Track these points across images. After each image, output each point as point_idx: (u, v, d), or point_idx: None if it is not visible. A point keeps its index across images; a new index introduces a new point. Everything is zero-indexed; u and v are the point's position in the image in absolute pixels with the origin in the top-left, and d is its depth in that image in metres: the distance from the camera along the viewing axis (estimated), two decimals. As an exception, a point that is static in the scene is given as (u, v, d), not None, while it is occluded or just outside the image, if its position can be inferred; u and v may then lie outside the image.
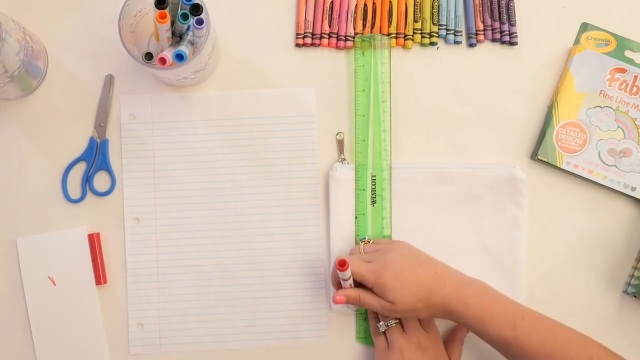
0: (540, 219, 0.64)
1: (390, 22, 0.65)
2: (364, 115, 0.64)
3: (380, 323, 0.59)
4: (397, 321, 0.59)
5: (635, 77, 0.63)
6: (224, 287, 0.63)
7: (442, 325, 0.62)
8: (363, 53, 0.64)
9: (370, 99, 0.64)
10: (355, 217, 0.63)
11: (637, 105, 0.63)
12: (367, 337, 0.63)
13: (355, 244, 0.63)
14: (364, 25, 0.65)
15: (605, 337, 0.63)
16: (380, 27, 0.65)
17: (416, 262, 0.57)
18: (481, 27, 0.65)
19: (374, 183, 0.63)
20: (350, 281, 0.57)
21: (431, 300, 0.55)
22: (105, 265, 0.63)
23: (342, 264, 0.54)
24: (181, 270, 0.63)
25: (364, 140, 0.63)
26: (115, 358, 0.63)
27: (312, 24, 0.65)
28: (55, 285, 0.63)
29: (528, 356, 0.52)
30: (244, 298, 0.63)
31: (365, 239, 0.62)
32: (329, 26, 0.65)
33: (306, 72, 0.65)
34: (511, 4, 0.65)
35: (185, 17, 0.55)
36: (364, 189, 0.63)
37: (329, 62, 0.65)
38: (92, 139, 0.64)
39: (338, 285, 0.59)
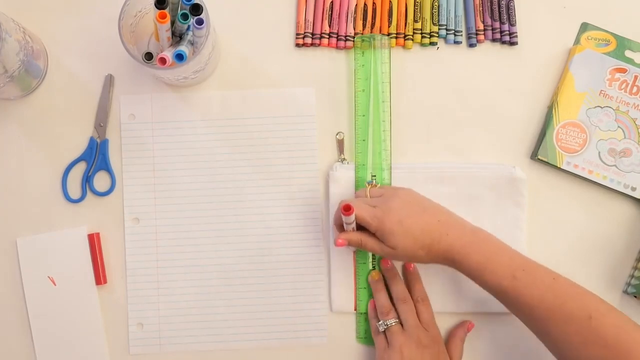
0: (540, 219, 0.64)
1: (390, 22, 0.65)
2: (363, 115, 0.64)
3: (380, 322, 0.59)
4: (397, 320, 0.59)
5: (635, 77, 0.63)
6: (224, 287, 0.63)
7: (443, 325, 0.62)
8: (363, 53, 0.64)
9: (370, 99, 0.64)
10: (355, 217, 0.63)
11: (637, 105, 0.63)
12: (367, 337, 0.63)
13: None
14: (364, 25, 0.65)
15: (605, 337, 0.63)
16: (380, 27, 0.65)
17: (420, 209, 0.56)
18: (481, 27, 0.65)
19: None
20: (354, 225, 0.57)
21: (433, 247, 0.54)
22: (105, 265, 0.63)
23: (347, 209, 0.54)
24: (181, 270, 0.63)
25: (364, 140, 0.63)
26: (115, 358, 0.63)
27: (312, 24, 0.65)
28: (55, 285, 0.63)
29: (526, 308, 0.52)
30: (244, 298, 0.63)
31: (372, 182, 0.62)
32: (329, 26, 0.65)
33: (306, 72, 0.65)
34: (511, 4, 0.65)
35: (185, 17, 0.55)
36: None
37: (329, 62, 0.65)
38: (92, 139, 0.64)
39: (340, 228, 0.59)
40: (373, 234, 0.57)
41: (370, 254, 0.63)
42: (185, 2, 0.55)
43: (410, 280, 0.62)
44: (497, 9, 0.65)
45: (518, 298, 0.52)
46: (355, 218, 0.56)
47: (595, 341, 0.49)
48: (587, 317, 0.50)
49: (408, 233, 0.54)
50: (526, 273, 0.52)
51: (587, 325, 0.49)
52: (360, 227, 0.58)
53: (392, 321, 0.59)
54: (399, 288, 0.61)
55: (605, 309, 0.51)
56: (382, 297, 0.61)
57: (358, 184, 0.63)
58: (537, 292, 0.52)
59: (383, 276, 0.62)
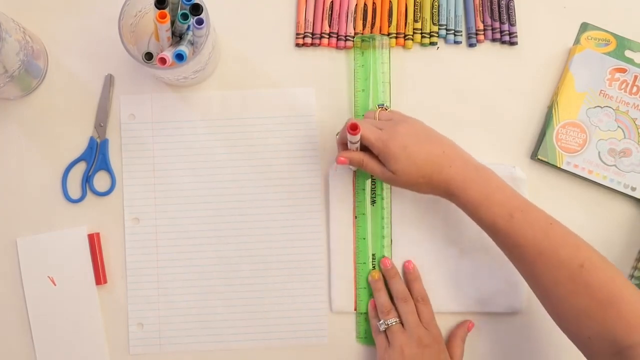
0: (540, 219, 0.64)
1: (390, 22, 0.65)
2: (363, 115, 0.64)
3: (380, 322, 0.59)
4: (397, 320, 0.59)
5: (635, 77, 0.63)
6: (224, 287, 0.63)
7: (443, 325, 0.62)
8: (363, 53, 0.64)
9: (370, 99, 0.64)
10: (355, 217, 0.63)
11: (637, 105, 0.63)
12: (367, 337, 0.63)
13: (356, 234, 0.63)
14: (364, 25, 0.65)
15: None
16: (380, 27, 0.65)
17: (427, 138, 0.56)
18: (481, 27, 0.65)
19: (373, 183, 0.63)
20: (358, 145, 0.56)
21: (434, 177, 0.54)
22: (105, 265, 0.63)
23: (353, 128, 0.53)
24: (181, 270, 0.63)
25: None
26: (115, 358, 0.63)
27: (312, 24, 0.65)
28: (55, 285, 0.63)
29: (518, 249, 0.52)
30: (244, 298, 0.63)
31: (383, 105, 0.61)
32: (329, 26, 0.65)
33: (306, 72, 0.65)
34: (511, 4, 0.65)
35: (185, 17, 0.55)
36: (363, 189, 0.63)
37: (329, 62, 0.65)
38: (92, 139, 0.64)
39: (344, 147, 0.58)
40: (376, 157, 0.56)
41: (370, 254, 0.63)
42: (185, 2, 0.55)
43: (409, 279, 0.62)
44: (497, 9, 0.65)
45: (511, 238, 0.52)
46: (361, 138, 0.55)
47: (582, 290, 0.48)
48: (578, 265, 0.49)
49: (411, 159, 0.54)
50: (524, 214, 0.52)
51: (578, 274, 0.49)
52: (365, 149, 0.57)
53: (392, 320, 0.59)
54: (399, 287, 0.61)
55: (598, 260, 0.50)
56: (382, 297, 0.61)
57: (358, 183, 0.63)
58: (531, 234, 0.51)
59: (383, 276, 0.62)
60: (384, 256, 0.63)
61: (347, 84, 0.65)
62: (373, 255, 0.63)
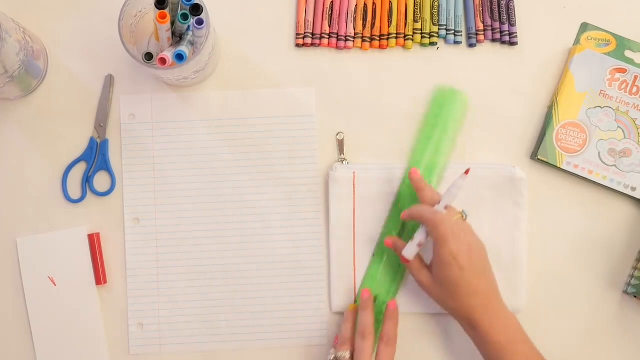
0: (540, 219, 0.64)
1: (390, 22, 0.65)
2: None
3: (331, 351, 0.57)
4: (348, 355, 0.56)
5: (635, 77, 0.63)
6: (224, 287, 0.63)
7: (443, 324, 0.62)
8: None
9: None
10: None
11: (637, 106, 0.63)
12: (367, 337, 0.63)
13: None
14: (364, 25, 0.65)
15: (605, 337, 0.63)
16: (380, 27, 0.65)
17: (482, 267, 0.56)
18: (481, 27, 0.65)
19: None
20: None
21: (471, 285, 0.55)
22: (105, 265, 0.63)
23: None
24: (181, 270, 0.63)
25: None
26: (115, 358, 0.63)
27: (312, 24, 0.65)
28: (55, 285, 0.63)
29: None
30: (244, 298, 0.63)
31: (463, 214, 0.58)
32: (329, 26, 0.65)
33: (306, 72, 0.65)
34: (511, 4, 0.65)
35: (185, 17, 0.55)
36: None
37: (329, 62, 0.65)
38: (92, 139, 0.64)
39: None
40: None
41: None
42: (185, 2, 0.55)
43: (385, 317, 0.58)
44: (497, 9, 0.65)
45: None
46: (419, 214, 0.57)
47: None
48: None
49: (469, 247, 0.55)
50: None
51: None
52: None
53: (342, 353, 0.55)
54: (364, 321, 0.57)
55: None
56: (345, 328, 0.58)
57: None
58: None
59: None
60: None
61: (347, 84, 0.65)
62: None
